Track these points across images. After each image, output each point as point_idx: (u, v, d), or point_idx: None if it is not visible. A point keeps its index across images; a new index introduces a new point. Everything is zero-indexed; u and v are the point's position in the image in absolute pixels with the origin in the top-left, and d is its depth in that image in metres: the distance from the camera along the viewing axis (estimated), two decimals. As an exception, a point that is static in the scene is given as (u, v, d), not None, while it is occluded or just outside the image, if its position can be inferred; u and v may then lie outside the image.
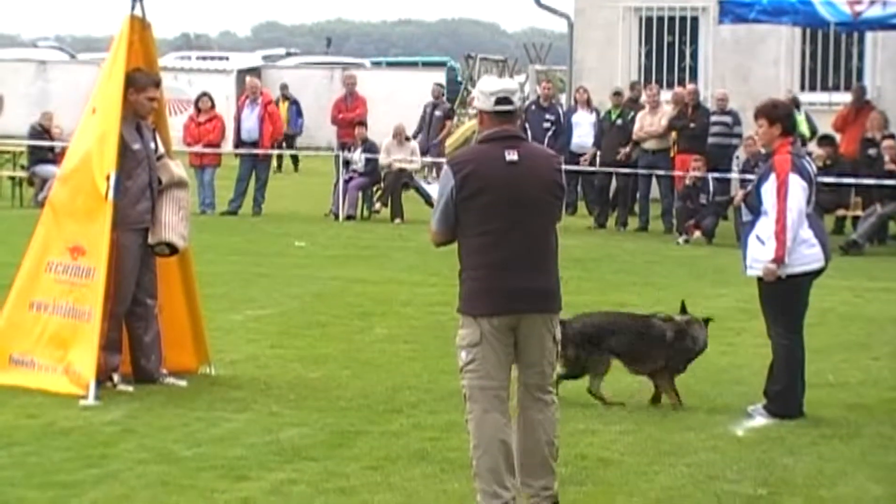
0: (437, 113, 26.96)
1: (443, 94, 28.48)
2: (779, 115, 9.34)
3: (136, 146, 9.82)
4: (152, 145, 9.99)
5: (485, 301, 6.87)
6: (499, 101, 6.90)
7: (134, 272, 9.85)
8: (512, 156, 6.85)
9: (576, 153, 23.09)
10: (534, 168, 6.89)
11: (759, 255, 9.19)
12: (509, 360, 6.95)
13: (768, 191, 9.15)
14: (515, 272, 6.85)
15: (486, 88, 6.98)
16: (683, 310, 9.88)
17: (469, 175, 6.82)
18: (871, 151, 20.48)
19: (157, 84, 9.95)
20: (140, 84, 9.82)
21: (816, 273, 9.35)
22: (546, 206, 6.94)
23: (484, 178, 6.81)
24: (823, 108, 23.46)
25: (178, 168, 10.14)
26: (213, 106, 23.93)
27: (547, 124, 23.26)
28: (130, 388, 9.75)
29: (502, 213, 6.82)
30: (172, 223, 9.91)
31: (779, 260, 9.09)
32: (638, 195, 22.37)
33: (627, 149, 22.03)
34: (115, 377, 9.78)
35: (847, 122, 22.00)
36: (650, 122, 21.97)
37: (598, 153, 23.07)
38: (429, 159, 26.24)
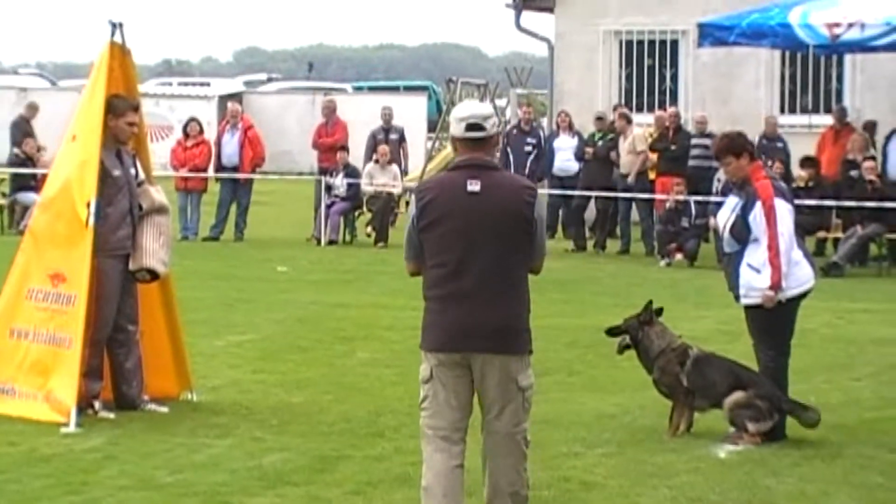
0: (393, 136, 26.74)
1: (392, 118, 27.79)
2: (740, 146, 9.36)
3: (117, 172, 9.81)
4: (133, 171, 9.97)
5: (433, 336, 6.67)
6: (469, 128, 6.66)
7: (115, 298, 9.83)
8: (474, 186, 6.58)
9: (559, 177, 23.16)
10: (497, 199, 6.59)
11: (755, 283, 9.19)
12: (463, 400, 6.70)
13: (756, 218, 9.15)
14: (468, 307, 6.58)
15: (458, 114, 6.74)
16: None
17: (428, 204, 6.63)
18: (853, 173, 20.55)
19: (136, 108, 9.95)
20: (119, 110, 9.82)
21: (808, 292, 9.41)
22: (508, 239, 6.61)
23: (441, 208, 6.60)
24: (803, 130, 23.56)
25: (158, 194, 10.14)
26: (201, 131, 24.02)
27: (528, 148, 23.29)
28: (112, 415, 9.73)
29: (457, 245, 6.58)
30: (153, 249, 9.90)
31: (776, 286, 9.11)
32: (619, 218, 22.44)
33: (591, 150, 22.16)
34: (97, 404, 9.76)
35: (827, 144, 22.08)
36: (622, 147, 22.14)
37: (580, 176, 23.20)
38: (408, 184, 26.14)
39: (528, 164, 23.09)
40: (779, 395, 9.25)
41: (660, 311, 9.66)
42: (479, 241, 6.58)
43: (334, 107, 25.60)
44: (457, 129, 6.69)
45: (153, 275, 9.96)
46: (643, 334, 9.56)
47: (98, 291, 9.71)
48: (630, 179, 21.89)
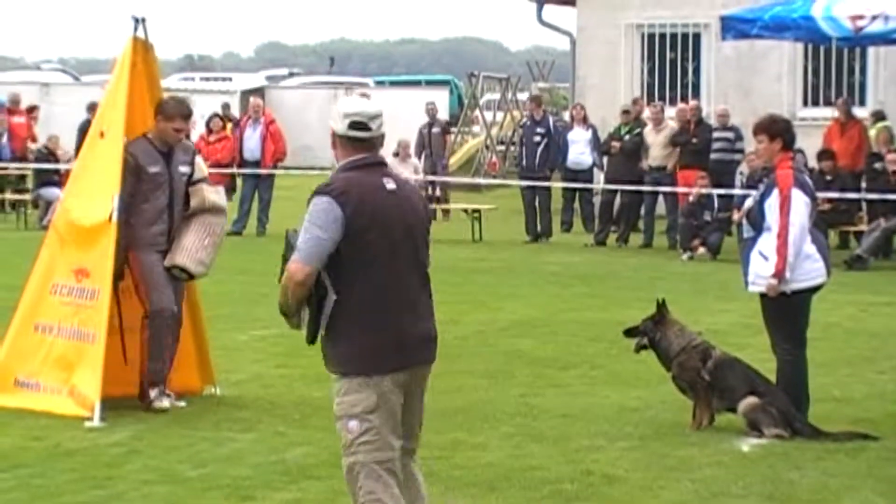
0: (435, 130, 27.02)
1: (437, 112, 28.50)
2: (779, 129, 9.33)
3: (154, 169, 9.77)
4: (184, 169, 9.90)
5: (387, 355, 5.97)
6: (353, 126, 6.02)
7: (166, 284, 9.76)
8: (391, 184, 6.04)
9: (572, 170, 23.13)
10: (411, 198, 6.13)
11: (763, 270, 9.17)
12: (398, 424, 6.13)
13: (772, 206, 9.14)
14: (410, 318, 6.03)
15: (343, 109, 6.09)
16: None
17: (358, 207, 5.91)
18: (877, 166, 20.48)
19: (187, 117, 9.91)
20: (169, 114, 9.81)
21: (819, 287, 9.37)
22: (423, 241, 6.12)
23: (372, 211, 5.93)
24: (826, 123, 23.46)
25: (214, 194, 10.07)
26: (224, 127, 24.09)
27: (537, 138, 23.27)
28: (182, 403, 9.75)
29: (394, 251, 5.97)
30: (193, 248, 9.82)
31: (778, 275, 9.08)
32: (643, 211, 22.39)
33: (644, 163, 22.12)
34: (156, 392, 9.72)
35: (834, 137, 22.00)
36: (653, 140, 22.05)
37: (602, 170, 23.21)
38: (438, 179, 26.31)
39: (538, 155, 23.05)
40: (794, 413, 9.15)
41: (664, 303, 9.60)
42: (408, 244, 6.06)
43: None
44: (340, 125, 6.05)
45: (189, 273, 9.91)
46: (661, 335, 9.52)
47: (147, 282, 9.73)
48: (669, 167, 21.81)
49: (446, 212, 25.85)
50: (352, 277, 5.94)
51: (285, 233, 6.19)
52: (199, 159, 10.12)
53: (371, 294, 5.96)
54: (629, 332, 9.76)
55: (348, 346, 5.98)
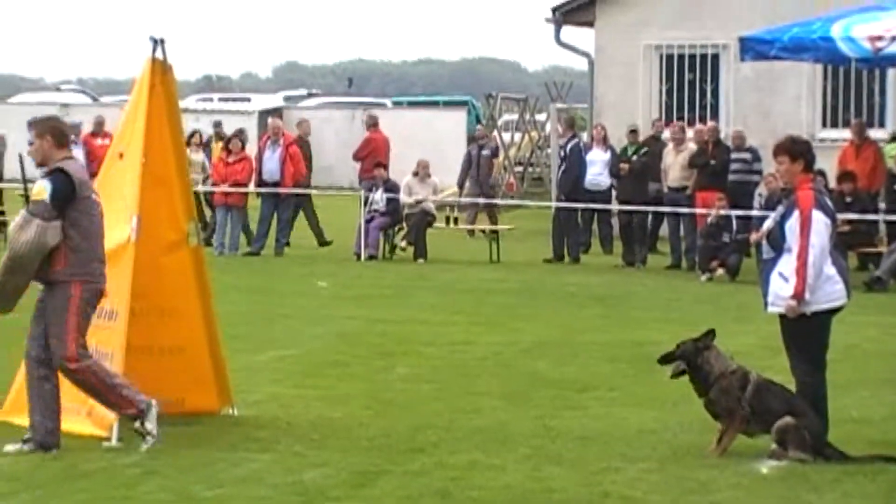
0: (485, 152, 27.17)
1: (486, 135, 28.88)
2: (800, 150, 9.33)
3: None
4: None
5: None
6: None
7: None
8: None
9: (590, 191, 23.05)
10: None
11: (783, 291, 9.15)
12: None
13: (792, 227, 9.13)
14: None
15: None
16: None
17: None
18: (897, 187, 20.46)
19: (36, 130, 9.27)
20: None
21: (839, 309, 9.34)
22: None
23: None
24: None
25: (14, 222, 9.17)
26: (243, 147, 24.10)
27: (557, 161, 23.32)
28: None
29: None
30: None
31: (798, 296, 9.05)
32: (668, 232, 22.34)
33: (663, 185, 22.07)
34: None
35: (850, 159, 21.95)
36: (673, 160, 22.01)
37: (614, 190, 23.20)
38: (482, 201, 26.35)
39: (559, 177, 23.06)
40: (824, 438, 9.11)
41: (713, 335, 9.52)
42: None
43: (371, 122, 26.54)
44: None
45: None
46: (702, 359, 9.41)
47: None
48: (689, 188, 21.73)
49: (494, 232, 24.97)
50: None
51: None
52: (40, 182, 9.15)
53: None
54: (666, 359, 9.62)
55: None
